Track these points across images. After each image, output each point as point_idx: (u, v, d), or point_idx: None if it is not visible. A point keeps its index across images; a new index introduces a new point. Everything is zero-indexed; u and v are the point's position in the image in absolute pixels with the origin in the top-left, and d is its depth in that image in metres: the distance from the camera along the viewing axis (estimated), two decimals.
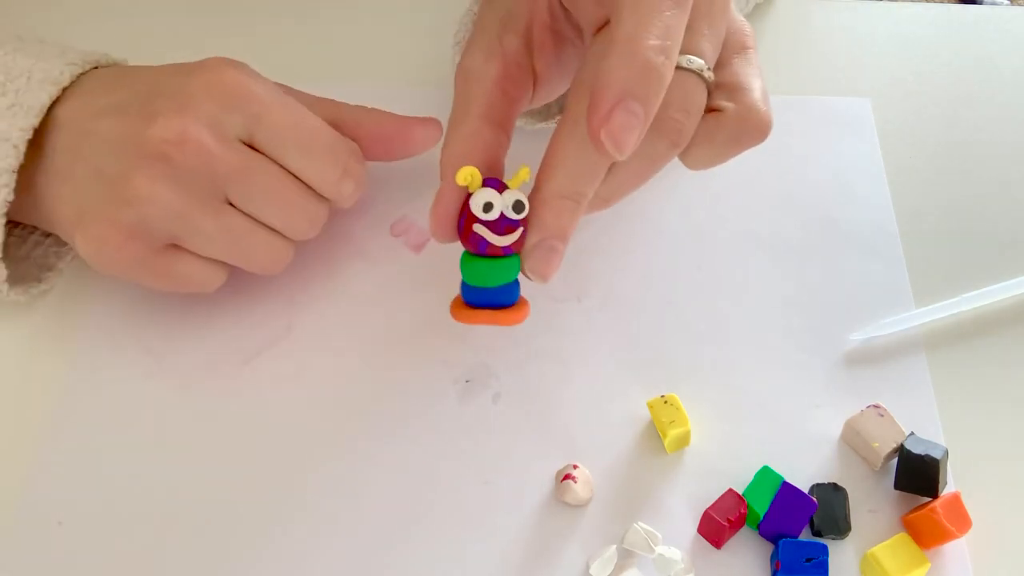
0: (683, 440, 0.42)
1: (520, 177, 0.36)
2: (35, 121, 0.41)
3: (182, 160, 0.39)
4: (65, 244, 0.47)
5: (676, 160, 0.41)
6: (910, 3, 0.61)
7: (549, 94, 0.42)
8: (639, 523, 0.39)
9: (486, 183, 0.35)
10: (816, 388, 0.44)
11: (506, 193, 0.36)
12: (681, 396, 0.43)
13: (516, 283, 0.37)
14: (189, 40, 0.57)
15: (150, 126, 0.39)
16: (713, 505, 0.40)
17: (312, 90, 0.49)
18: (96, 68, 0.44)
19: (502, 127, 0.39)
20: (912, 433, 0.41)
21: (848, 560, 0.40)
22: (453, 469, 0.42)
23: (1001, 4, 1.45)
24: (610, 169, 0.37)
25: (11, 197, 0.41)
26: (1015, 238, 0.50)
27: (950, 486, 0.41)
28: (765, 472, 0.40)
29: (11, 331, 0.46)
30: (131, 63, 0.46)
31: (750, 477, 0.40)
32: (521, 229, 0.36)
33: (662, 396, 0.43)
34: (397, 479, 0.42)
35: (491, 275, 0.36)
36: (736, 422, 0.43)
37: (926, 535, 0.39)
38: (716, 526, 0.39)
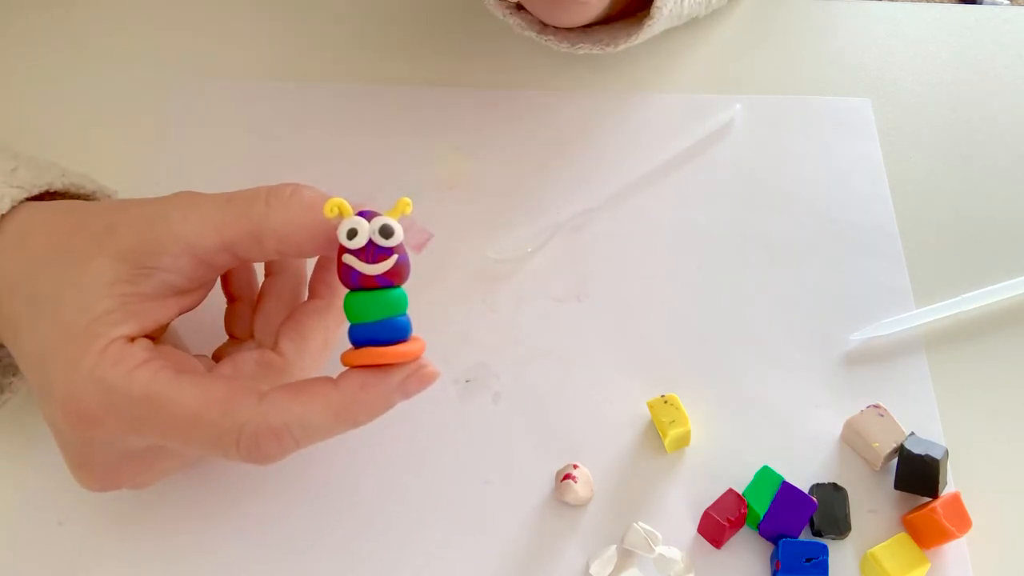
0: (683, 440, 0.42)
1: (399, 208, 0.34)
2: None
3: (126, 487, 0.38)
4: None
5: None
6: (910, 3, 0.61)
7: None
8: (639, 523, 0.39)
9: (359, 214, 0.34)
10: (816, 388, 0.44)
11: (375, 219, 0.34)
12: (681, 396, 0.43)
13: (404, 319, 0.35)
14: (191, 40, 0.58)
15: (74, 476, 0.37)
16: (713, 505, 0.40)
17: (311, 89, 0.49)
18: (46, 192, 0.40)
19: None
20: (912, 433, 0.41)
21: (848, 560, 0.40)
22: (453, 469, 0.42)
23: (1001, 4, 1.45)
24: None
25: None
26: (1015, 238, 0.50)
27: (950, 486, 0.41)
28: (765, 472, 0.40)
29: None
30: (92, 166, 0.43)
31: (750, 477, 0.40)
32: (396, 257, 0.34)
33: (662, 396, 0.43)
34: (397, 479, 0.42)
35: (368, 308, 0.34)
36: (736, 422, 0.43)
37: (926, 535, 0.39)
38: (716, 526, 0.39)
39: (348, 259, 0.34)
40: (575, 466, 0.41)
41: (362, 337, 0.34)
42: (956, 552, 0.40)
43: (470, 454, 0.43)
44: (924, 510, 0.39)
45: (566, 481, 0.41)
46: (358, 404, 0.34)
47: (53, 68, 0.56)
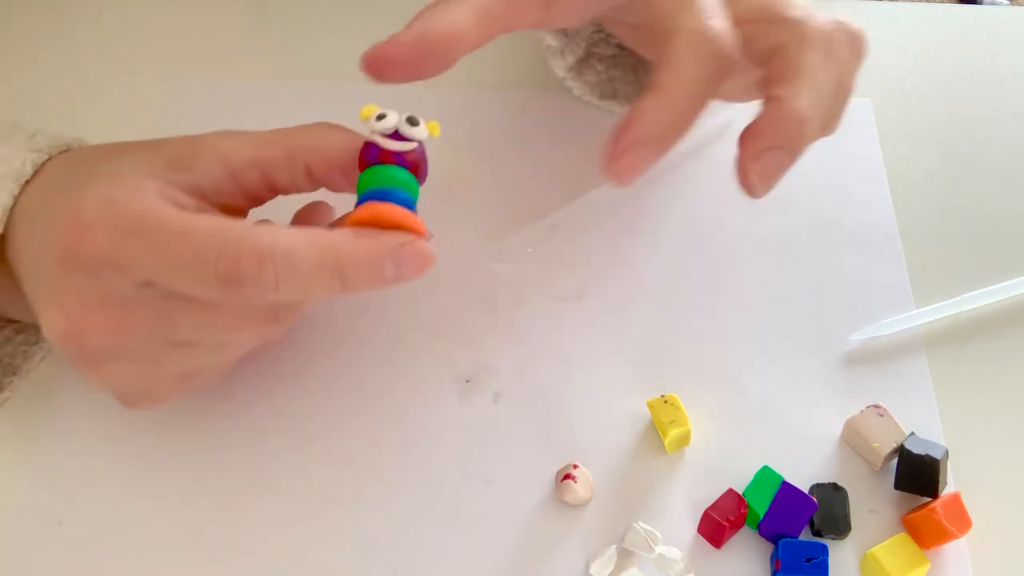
0: (683, 440, 0.42)
1: (429, 129, 0.36)
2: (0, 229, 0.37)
3: (93, 345, 0.36)
4: (36, 343, 0.44)
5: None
6: (910, 3, 0.61)
7: (566, 18, 0.41)
8: (639, 523, 0.39)
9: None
10: (816, 388, 0.44)
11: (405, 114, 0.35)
12: (681, 396, 0.43)
13: (412, 198, 0.36)
14: (191, 41, 0.58)
15: (44, 321, 0.36)
16: (713, 505, 0.40)
17: (311, 90, 0.49)
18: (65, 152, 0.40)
19: (484, 28, 0.38)
20: (912, 433, 0.41)
21: (848, 560, 0.40)
22: (453, 469, 0.42)
23: (1001, 4, 1.45)
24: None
25: None
26: (1015, 238, 0.50)
27: (950, 486, 0.41)
28: (765, 472, 0.40)
29: None
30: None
31: (750, 477, 0.40)
32: (418, 145, 0.35)
33: (662, 396, 0.43)
34: (397, 479, 0.42)
35: (380, 176, 0.35)
36: (736, 422, 0.43)
37: (926, 535, 0.39)
38: (716, 526, 0.39)
39: (373, 136, 0.35)
40: (575, 466, 0.41)
41: (368, 198, 0.35)
42: (956, 552, 0.40)
43: (470, 454, 0.43)
44: (924, 510, 0.39)
45: (566, 481, 0.41)
46: (348, 252, 0.34)
47: (53, 68, 0.56)
